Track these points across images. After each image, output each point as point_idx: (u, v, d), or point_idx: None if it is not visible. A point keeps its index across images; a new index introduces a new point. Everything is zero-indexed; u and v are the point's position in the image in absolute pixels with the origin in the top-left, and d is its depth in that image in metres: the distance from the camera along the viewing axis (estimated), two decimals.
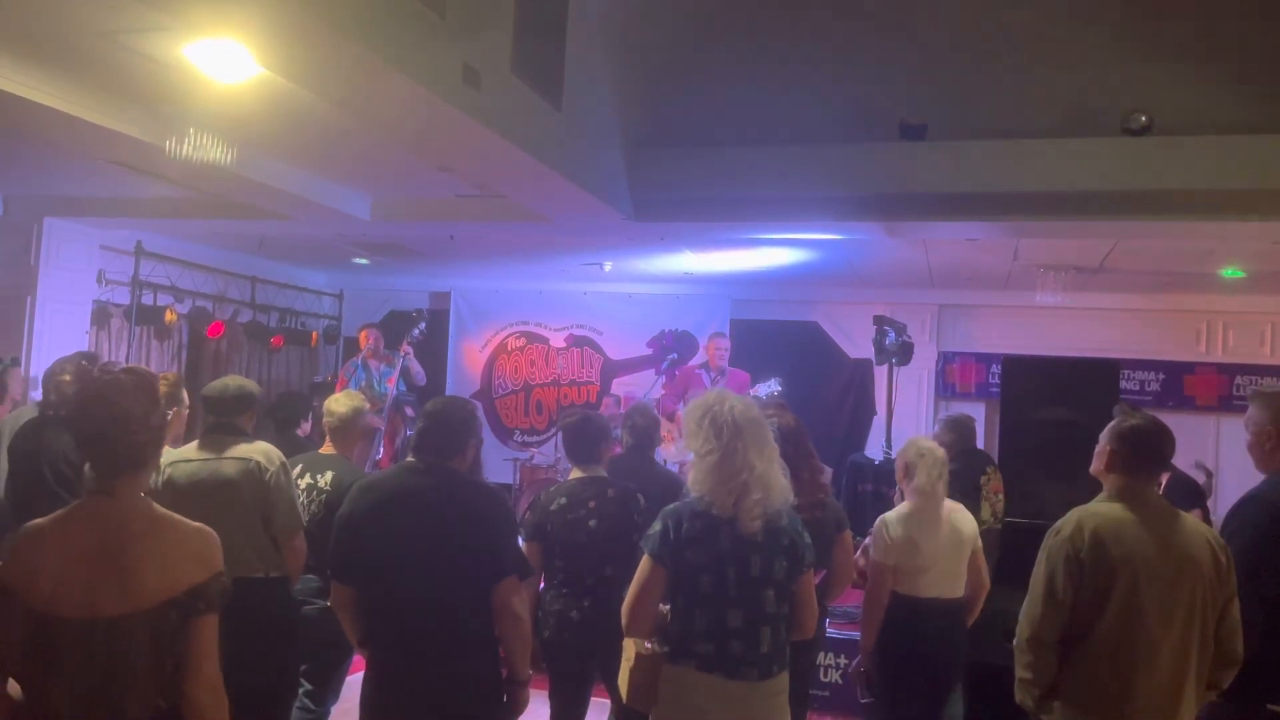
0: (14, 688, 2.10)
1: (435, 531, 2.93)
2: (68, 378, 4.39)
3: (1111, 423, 2.98)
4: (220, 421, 3.79)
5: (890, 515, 4.02)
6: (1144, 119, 5.48)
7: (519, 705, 3.08)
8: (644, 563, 2.86)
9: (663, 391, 8.42)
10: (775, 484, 2.82)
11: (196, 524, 2.19)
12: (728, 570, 2.78)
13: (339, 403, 4.28)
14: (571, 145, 5.29)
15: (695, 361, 8.74)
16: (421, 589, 2.90)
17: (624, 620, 2.90)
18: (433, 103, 3.98)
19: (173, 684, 2.07)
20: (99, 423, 2.11)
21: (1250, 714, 2.88)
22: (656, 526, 2.86)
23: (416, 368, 8.60)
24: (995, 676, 3.63)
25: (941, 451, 4.06)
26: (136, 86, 4.64)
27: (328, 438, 4.27)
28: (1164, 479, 6.96)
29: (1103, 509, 2.86)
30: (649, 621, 2.87)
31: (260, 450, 3.73)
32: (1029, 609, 2.86)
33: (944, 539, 3.92)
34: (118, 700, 2.02)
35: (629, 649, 2.92)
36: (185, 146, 4.92)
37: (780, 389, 7.67)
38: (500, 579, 2.95)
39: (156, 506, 2.18)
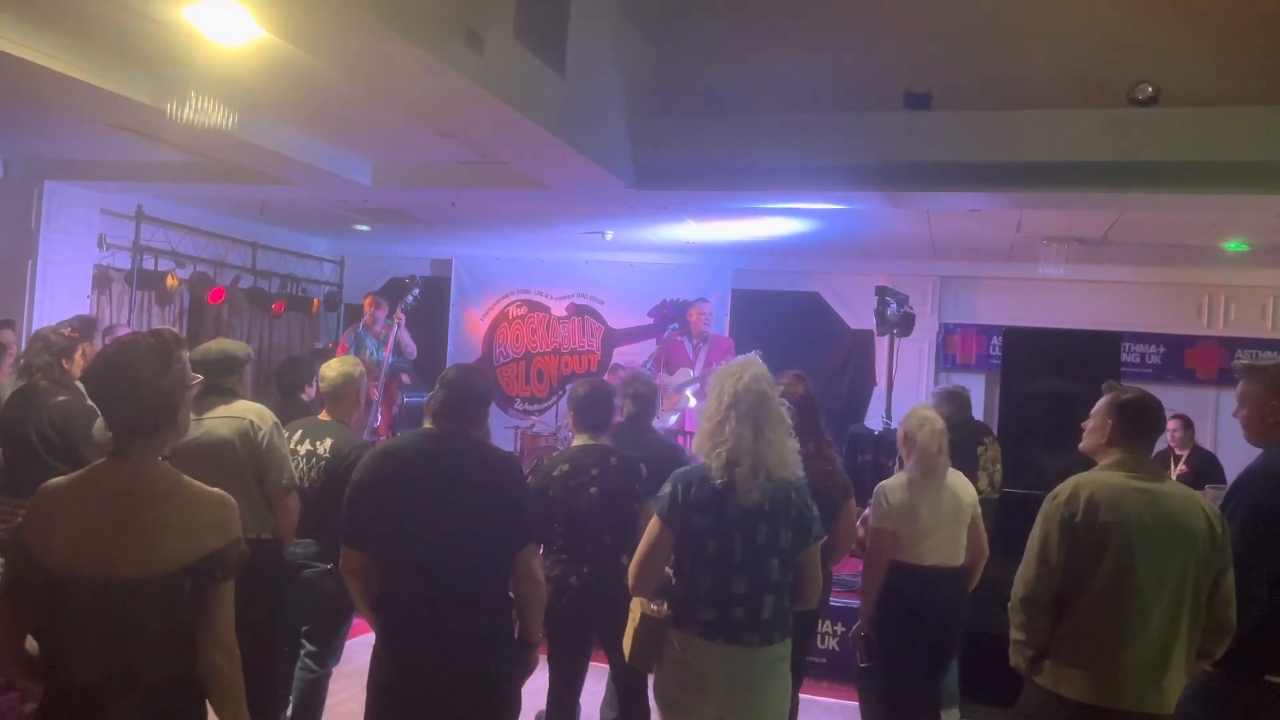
0: (31, 644, 2.12)
1: (459, 498, 2.94)
2: (56, 341, 4.41)
3: (1105, 398, 3.02)
4: (210, 383, 3.79)
5: (889, 482, 4.06)
6: (1150, 90, 5.44)
7: (528, 666, 3.15)
8: (653, 523, 2.91)
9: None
10: (774, 459, 2.85)
11: (216, 490, 2.20)
12: (734, 536, 2.82)
13: (331, 368, 4.29)
14: (574, 111, 5.26)
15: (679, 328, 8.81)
16: (442, 554, 2.92)
17: (631, 579, 2.96)
18: (434, 67, 3.95)
19: (188, 649, 2.09)
20: (105, 386, 2.14)
21: (1248, 685, 2.91)
22: (666, 488, 2.91)
23: (408, 342, 8.57)
24: (989, 644, 3.67)
25: (941, 421, 4.08)
26: (137, 49, 4.61)
27: (324, 404, 4.29)
28: (1184, 454, 7.02)
29: (1101, 476, 2.90)
30: (655, 581, 2.93)
31: (253, 410, 3.76)
32: (1023, 571, 2.92)
33: (944, 506, 3.95)
34: (132, 662, 2.04)
35: (635, 609, 2.96)
36: (186, 110, 4.89)
37: (700, 384, 7.92)
38: (524, 544, 3.01)
39: (175, 471, 2.19)
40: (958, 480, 4.07)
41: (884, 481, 4.10)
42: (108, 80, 4.83)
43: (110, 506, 2.07)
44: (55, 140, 6.88)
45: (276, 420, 3.80)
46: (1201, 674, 2.90)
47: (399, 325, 8.31)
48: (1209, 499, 3.05)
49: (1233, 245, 7.78)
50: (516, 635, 3.11)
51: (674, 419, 8.26)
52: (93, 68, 4.74)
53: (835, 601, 5.63)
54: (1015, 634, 2.92)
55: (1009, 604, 2.95)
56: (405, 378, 8.61)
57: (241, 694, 2.16)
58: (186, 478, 2.19)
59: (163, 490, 2.12)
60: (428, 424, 3.12)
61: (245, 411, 3.74)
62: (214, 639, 2.11)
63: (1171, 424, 7.04)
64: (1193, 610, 2.78)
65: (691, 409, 8.32)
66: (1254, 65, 5.56)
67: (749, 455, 2.82)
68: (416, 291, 8.52)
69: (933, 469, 3.96)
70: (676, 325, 8.77)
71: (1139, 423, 2.93)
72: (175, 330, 2.49)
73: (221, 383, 3.82)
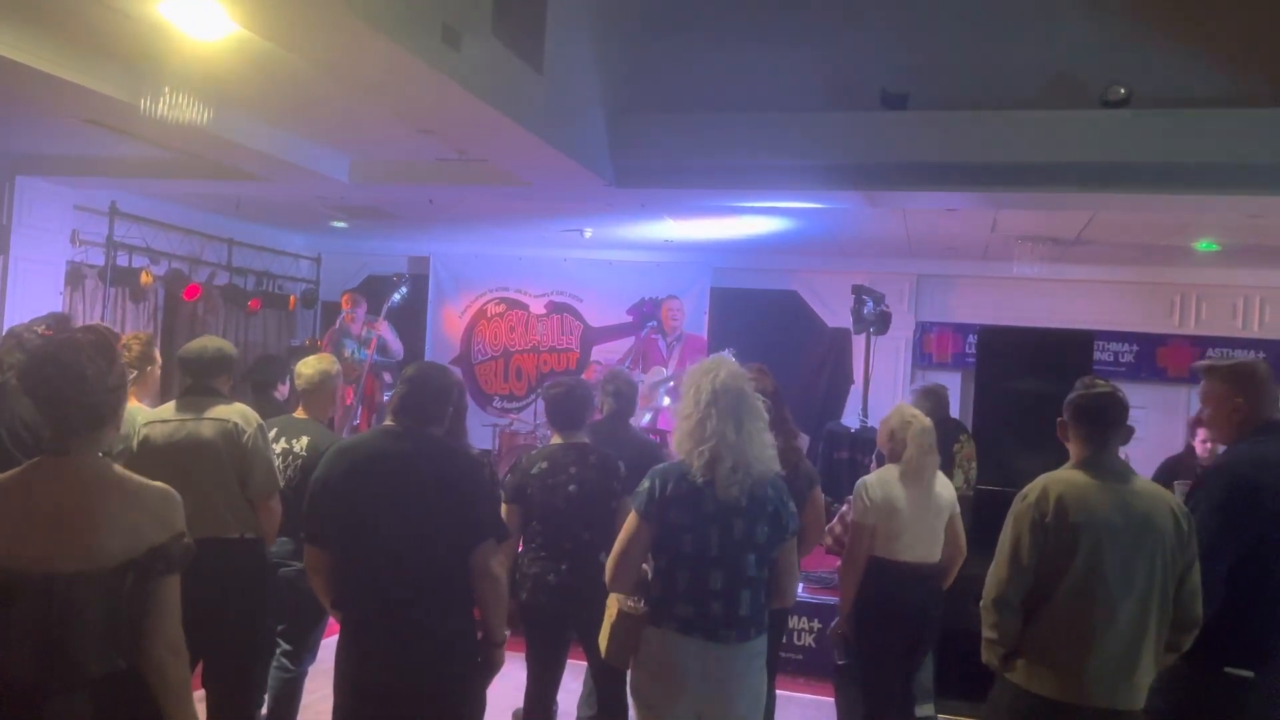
0: None
1: (413, 495, 2.94)
2: (29, 339, 4.36)
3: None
4: (197, 383, 3.77)
5: (870, 478, 4.08)
6: (1122, 91, 5.50)
7: (494, 665, 3.13)
8: (630, 518, 2.92)
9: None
10: (754, 454, 2.87)
11: (159, 484, 2.18)
12: (710, 532, 2.84)
13: (308, 365, 4.28)
14: (552, 109, 5.25)
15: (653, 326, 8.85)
16: (398, 552, 2.92)
17: (608, 575, 2.95)
18: (411, 63, 3.93)
19: (131, 643, 2.07)
20: (52, 383, 2.09)
21: (1209, 676, 2.95)
22: (645, 484, 2.92)
23: (394, 345, 8.51)
24: (963, 640, 3.70)
25: (927, 419, 4.10)
26: (111, 43, 4.57)
27: (300, 402, 4.27)
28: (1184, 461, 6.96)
29: (1067, 475, 2.92)
30: (632, 577, 2.93)
31: (237, 412, 3.72)
32: (995, 571, 2.93)
33: (922, 504, 3.97)
34: (74, 657, 2.01)
35: (611, 606, 2.97)
36: (161, 105, 4.85)
37: (674, 383, 8.05)
38: (478, 543, 2.98)
39: (116, 466, 2.17)
40: (939, 479, 4.10)
41: (865, 477, 4.12)
42: (81, 75, 4.78)
43: (52, 503, 2.05)
44: (27, 135, 6.80)
45: (261, 422, 3.77)
46: (1169, 667, 2.93)
47: (376, 331, 8.23)
48: (1177, 494, 3.08)
49: (1204, 245, 7.88)
50: (482, 634, 3.09)
51: (648, 418, 8.28)
52: (66, 62, 4.69)
53: (813, 598, 5.68)
54: (987, 633, 2.93)
55: (981, 604, 2.96)
56: (388, 376, 8.58)
57: (188, 690, 2.14)
58: (127, 472, 2.17)
59: (104, 486, 2.10)
60: (389, 421, 3.11)
61: (229, 413, 3.71)
62: (159, 634, 2.09)
63: (1203, 433, 6.96)
64: (1160, 606, 2.81)
65: (666, 408, 8.35)
66: (1223, 67, 5.63)
67: (732, 452, 2.83)
68: (404, 290, 8.45)
69: (921, 467, 3.97)
70: (655, 323, 8.79)
71: (1089, 421, 2.94)
72: (109, 326, 2.46)
73: (210, 383, 3.79)
